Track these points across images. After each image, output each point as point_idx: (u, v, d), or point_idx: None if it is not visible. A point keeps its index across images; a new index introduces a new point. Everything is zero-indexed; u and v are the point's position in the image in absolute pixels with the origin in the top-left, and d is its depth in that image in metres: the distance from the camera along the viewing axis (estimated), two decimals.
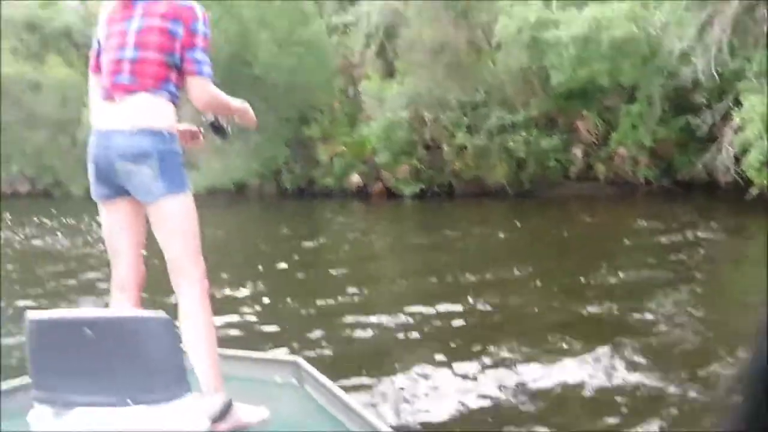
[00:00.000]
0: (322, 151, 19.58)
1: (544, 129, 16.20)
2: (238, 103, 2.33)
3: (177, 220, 2.11)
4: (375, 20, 21.07)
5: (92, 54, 2.23)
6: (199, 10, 2.16)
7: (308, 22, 19.97)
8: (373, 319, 5.05)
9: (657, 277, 6.32)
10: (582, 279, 6.11)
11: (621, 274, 6.26)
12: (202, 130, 2.40)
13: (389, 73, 19.83)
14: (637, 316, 4.94)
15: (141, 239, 2.24)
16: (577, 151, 15.84)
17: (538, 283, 6.09)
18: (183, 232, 2.12)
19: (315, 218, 15.12)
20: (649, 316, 4.90)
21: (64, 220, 14.78)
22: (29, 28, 28.49)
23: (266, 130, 19.65)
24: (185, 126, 2.33)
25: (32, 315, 1.63)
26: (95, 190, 2.16)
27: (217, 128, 2.34)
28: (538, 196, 16.10)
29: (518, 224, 11.56)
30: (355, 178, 18.62)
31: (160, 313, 1.68)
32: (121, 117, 2.05)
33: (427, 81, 17.21)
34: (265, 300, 5.61)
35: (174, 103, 2.16)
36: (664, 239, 8.45)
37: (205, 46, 2.14)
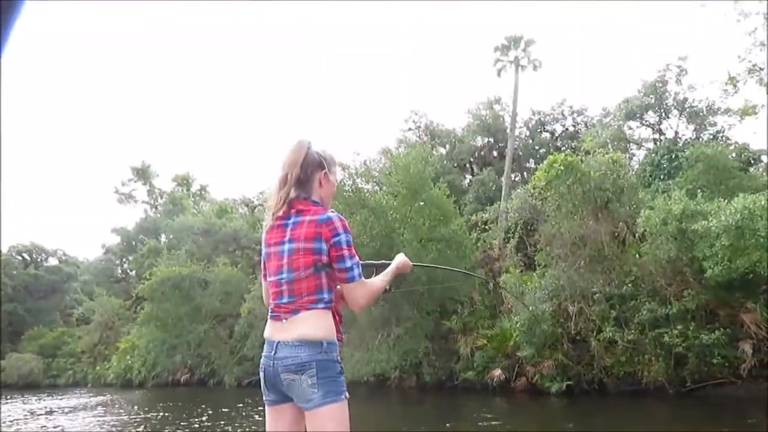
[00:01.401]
0: (462, 344, 19.41)
1: (703, 322, 14.98)
2: (387, 277, 2.57)
3: (330, 429, 2.23)
4: (513, 217, 21.87)
5: (263, 265, 2.53)
6: (337, 221, 2.35)
7: (448, 220, 21.09)
8: None
9: None
10: None
11: None
12: None
13: (529, 265, 19.94)
14: None
15: None
16: (746, 347, 14.30)
17: None
18: None
19: (456, 414, 14.55)
20: None
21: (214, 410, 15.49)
22: (205, 234, 32.74)
23: (407, 323, 20.10)
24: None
25: None
26: (264, 395, 2.39)
27: None
28: (703, 396, 14.43)
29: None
30: (497, 372, 17.98)
31: None
32: (285, 331, 2.30)
33: (569, 273, 16.99)
34: None
35: (329, 308, 2.36)
36: None
37: (350, 253, 2.34)
